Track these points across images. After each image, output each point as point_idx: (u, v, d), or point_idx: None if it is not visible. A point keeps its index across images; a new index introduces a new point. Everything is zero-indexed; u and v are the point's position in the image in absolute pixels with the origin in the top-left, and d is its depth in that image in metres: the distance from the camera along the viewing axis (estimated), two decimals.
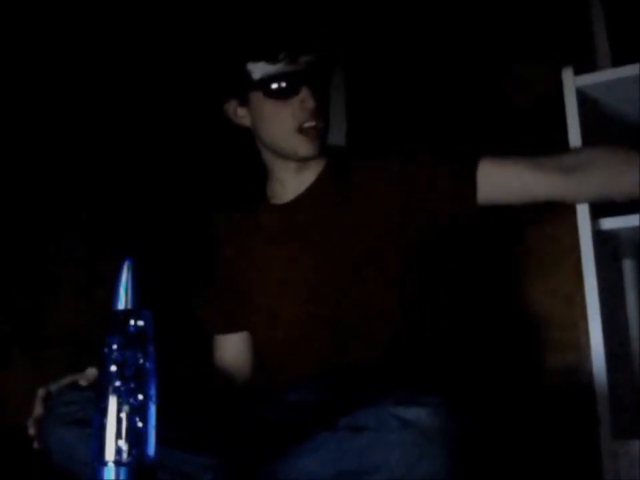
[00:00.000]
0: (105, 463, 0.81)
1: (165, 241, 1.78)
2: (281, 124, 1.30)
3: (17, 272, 1.56)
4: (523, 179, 1.24)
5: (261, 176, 1.43)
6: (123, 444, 0.80)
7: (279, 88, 1.28)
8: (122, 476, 0.80)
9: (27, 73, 1.60)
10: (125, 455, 0.80)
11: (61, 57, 1.66)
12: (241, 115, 1.36)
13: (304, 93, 1.27)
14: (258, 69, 1.28)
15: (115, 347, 0.83)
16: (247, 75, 1.29)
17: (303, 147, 1.30)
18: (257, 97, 1.31)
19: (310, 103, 1.27)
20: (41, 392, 1.15)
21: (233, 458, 1.09)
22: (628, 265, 1.60)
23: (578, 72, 1.39)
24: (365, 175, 1.32)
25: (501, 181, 1.25)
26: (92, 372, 1.12)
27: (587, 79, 1.39)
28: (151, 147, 1.83)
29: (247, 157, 1.44)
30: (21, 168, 1.58)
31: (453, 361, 1.30)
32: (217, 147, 1.88)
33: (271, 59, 1.27)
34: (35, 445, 1.13)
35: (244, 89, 1.31)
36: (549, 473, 1.50)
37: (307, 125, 1.29)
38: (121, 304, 0.85)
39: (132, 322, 0.84)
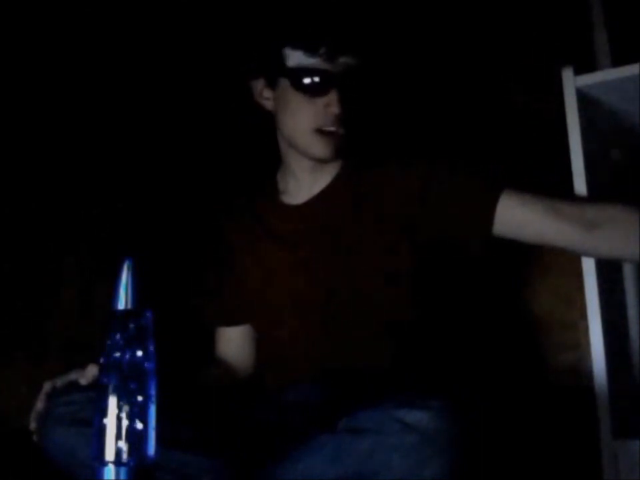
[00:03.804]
0: (104, 464, 0.81)
1: (165, 241, 1.78)
2: (301, 120, 1.25)
3: (17, 272, 1.57)
4: (541, 224, 1.18)
5: (270, 164, 1.40)
6: (122, 444, 0.80)
7: (309, 83, 1.23)
8: (122, 476, 0.80)
9: (32, 67, 1.60)
10: (124, 456, 0.80)
11: (71, 51, 1.66)
12: (266, 96, 1.32)
13: (332, 96, 1.23)
14: (294, 57, 1.24)
15: (114, 347, 0.83)
16: (282, 59, 1.25)
17: (318, 148, 1.26)
18: (285, 84, 1.26)
19: (335, 109, 1.23)
20: (47, 386, 1.15)
21: (232, 459, 1.09)
22: (628, 265, 1.59)
23: (578, 72, 1.39)
24: (380, 183, 1.29)
25: (519, 220, 1.20)
26: (93, 369, 1.11)
27: (587, 79, 1.39)
28: (151, 144, 1.83)
29: (252, 143, 1.41)
30: (22, 167, 1.58)
31: (453, 362, 1.30)
32: (220, 141, 1.88)
33: (309, 51, 1.22)
34: (34, 438, 1.13)
35: (275, 71, 1.27)
36: (549, 473, 1.50)
37: (326, 129, 1.25)
38: (121, 304, 0.85)
39: (132, 322, 0.84)
